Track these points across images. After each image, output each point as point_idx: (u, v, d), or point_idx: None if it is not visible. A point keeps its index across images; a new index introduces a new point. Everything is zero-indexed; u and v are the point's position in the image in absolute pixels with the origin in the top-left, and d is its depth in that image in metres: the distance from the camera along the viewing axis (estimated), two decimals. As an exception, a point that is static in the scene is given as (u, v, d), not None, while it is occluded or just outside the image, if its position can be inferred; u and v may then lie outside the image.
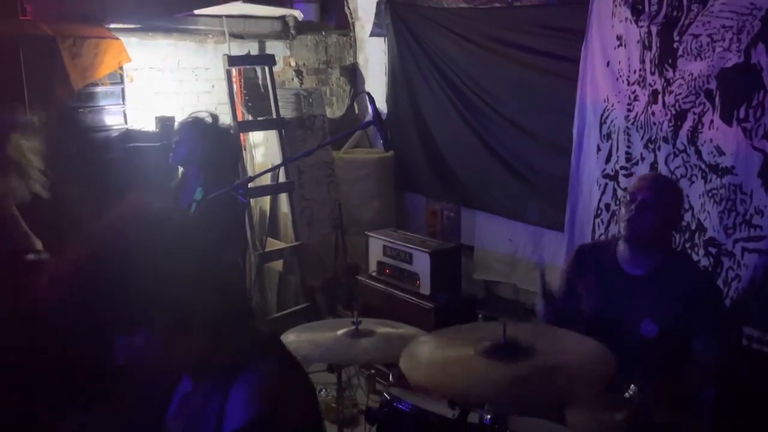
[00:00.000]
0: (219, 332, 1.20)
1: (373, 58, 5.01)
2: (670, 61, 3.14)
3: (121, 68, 3.73)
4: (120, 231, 1.15)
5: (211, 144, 2.91)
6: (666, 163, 3.21)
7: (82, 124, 3.58)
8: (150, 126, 3.85)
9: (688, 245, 3.14)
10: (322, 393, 3.50)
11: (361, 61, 5.11)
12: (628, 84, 3.34)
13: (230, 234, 2.80)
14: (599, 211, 3.56)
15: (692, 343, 2.07)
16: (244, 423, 1.14)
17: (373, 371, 3.46)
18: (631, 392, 1.74)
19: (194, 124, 3.00)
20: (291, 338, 2.31)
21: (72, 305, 1.10)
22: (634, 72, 3.31)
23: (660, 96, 3.20)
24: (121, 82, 3.76)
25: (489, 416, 1.66)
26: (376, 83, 4.91)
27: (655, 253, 2.20)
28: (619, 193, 3.45)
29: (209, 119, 3.01)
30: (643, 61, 3.26)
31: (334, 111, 4.98)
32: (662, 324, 2.08)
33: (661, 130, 3.21)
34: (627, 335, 2.10)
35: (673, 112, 3.14)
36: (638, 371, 1.81)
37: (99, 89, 3.64)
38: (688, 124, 3.09)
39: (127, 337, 1.13)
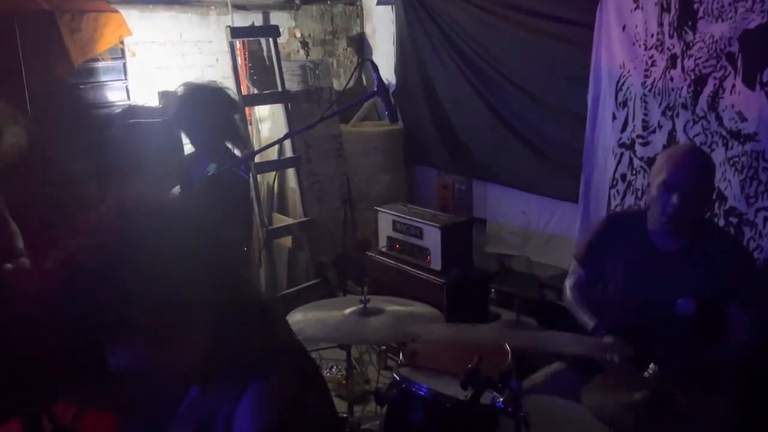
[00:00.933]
0: (223, 335, 1.11)
1: (381, 27, 4.88)
2: (689, 23, 3.01)
3: (122, 42, 3.65)
4: (101, 231, 1.04)
5: (225, 114, 2.80)
6: (685, 130, 3.09)
7: (84, 101, 3.51)
8: (153, 101, 3.78)
9: (708, 215, 3.04)
10: (333, 370, 3.47)
11: (368, 30, 4.99)
12: (645, 48, 3.21)
13: (233, 214, 2.73)
14: (615, 182, 3.45)
15: (728, 317, 1.99)
16: None
17: (384, 347, 3.42)
18: (651, 371, 1.66)
19: (211, 93, 2.89)
20: (298, 317, 2.26)
21: (54, 313, 1.00)
22: (652, 36, 3.17)
23: (679, 60, 3.07)
24: (123, 56, 3.67)
25: (502, 399, 1.60)
26: (384, 53, 4.79)
27: (688, 228, 2.10)
28: (636, 162, 3.35)
29: (218, 88, 2.91)
30: (661, 24, 3.12)
31: (342, 83, 4.87)
32: (699, 300, 1.99)
33: (680, 96, 3.09)
34: (660, 313, 2.02)
35: (693, 77, 3.02)
36: (669, 348, 1.74)
37: (100, 65, 3.57)
38: (708, 90, 2.97)
39: (115, 346, 1.06)
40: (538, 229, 4.01)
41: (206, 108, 2.77)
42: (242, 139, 2.92)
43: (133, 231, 1.05)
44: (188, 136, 2.91)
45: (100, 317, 1.00)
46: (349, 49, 4.97)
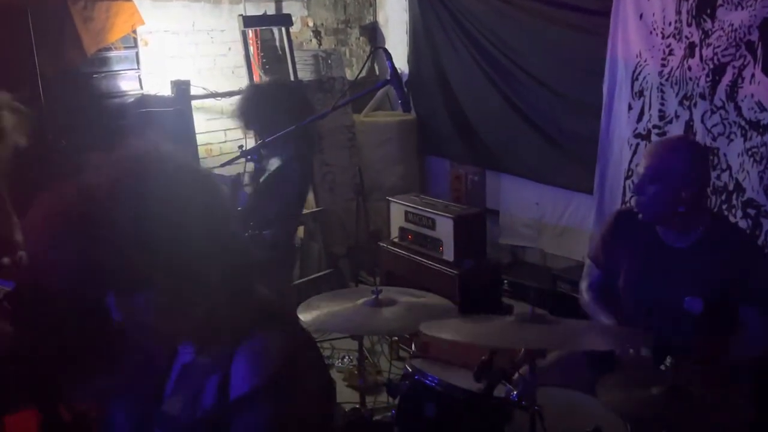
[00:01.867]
0: (227, 296, 1.12)
1: (394, 16, 4.84)
2: (708, 11, 2.95)
3: (134, 31, 3.64)
4: (124, 180, 1.05)
5: (284, 109, 2.77)
6: (702, 120, 3.05)
7: (97, 90, 3.51)
8: (166, 91, 3.77)
9: (724, 207, 3.00)
10: (345, 360, 3.47)
11: (381, 19, 4.95)
12: (663, 37, 3.16)
13: (279, 213, 2.75)
14: (630, 173, 3.41)
15: (739, 315, 1.95)
16: (250, 388, 1.08)
17: (396, 338, 3.41)
18: (668, 365, 1.64)
19: (275, 90, 2.90)
20: (311, 307, 2.24)
21: (67, 255, 1.02)
22: (669, 24, 3.12)
23: (697, 49, 3.02)
24: (135, 46, 3.66)
25: (516, 391, 1.59)
26: (397, 42, 4.75)
27: (695, 223, 2.04)
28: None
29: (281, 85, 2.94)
30: (679, 12, 3.07)
31: (354, 72, 4.84)
32: (708, 299, 1.95)
33: (698, 85, 3.04)
34: (669, 310, 1.98)
35: (711, 66, 2.97)
36: (678, 346, 1.71)
37: (112, 54, 3.56)
38: (727, 79, 2.92)
39: (125, 295, 1.07)
40: (552, 220, 3.98)
41: (266, 105, 2.78)
42: (308, 137, 2.87)
43: (147, 178, 1.06)
44: (257, 134, 2.89)
45: (116, 259, 1.01)
46: (361, 38, 4.93)
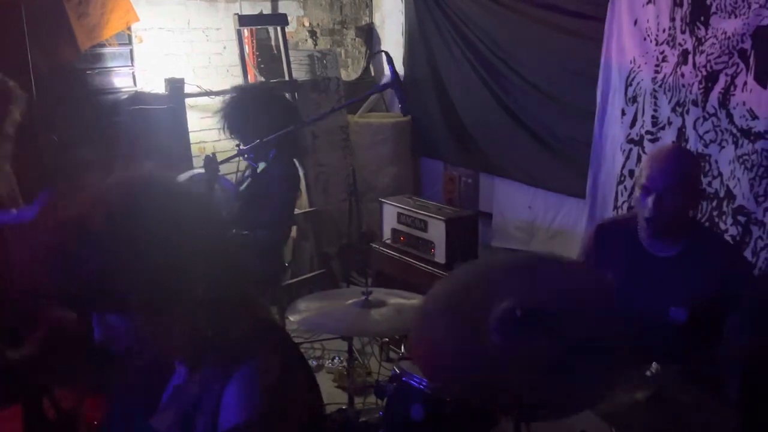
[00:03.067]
0: (214, 314, 1.11)
1: (390, 17, 4.85)
2: (702, 18, 2.97)
3: (129, 28, 3.64)
4: (102, 195, 1.07)
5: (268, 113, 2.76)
6: (695, 127, 3.06)
7: (90, 87, 3.50)
8: (160, 88, 3.76)
9: (715, 213, 3.01)
10: (335, 361, 3.46)
11: (377, 20, 4.95)
12: (657, 44, 3.18)
13: (273, 214, 2.74)
14: (622, 178, 3.42)
15: (724, 323, 1.96)
16: (242, 421, 1.07)
17: (386, 339, 3.41)
18: (653, 370, 1.64)
19: (257, 93, 2.88)
20: (300, 308, 2.24)
21: (50, 274, 1.03)
22: (664, 31, 3.14)
23: (690, 56, 3.03)
24: (130, 43, 3.66)
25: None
26: (393, 44, 4.75)
27: (681, 232, 2.05)
28: (644, 159, 3.31)
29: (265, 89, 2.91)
30: (673, 19, 3.08)
31: (350, 73, 4.84)
32: (691, 308, 1.95)
33: (691, 92, 3.05)
34: (653, 319, 1.98)
35: (704, 73, 2.98)
36: (664, 354, 1.71)
37: (107, 50, 3.55)
38: (719, 86, 2.94)
39: (101, 316, 1.07)
40: (545, 224, 3.99)
41: (250, 108, 2.76)
42: (292, 141, 2.83)
43: (139, 201, 1.07)
44: (240, 139, 2.86)
45: (95, 279, 1.02)
46: (357, 39, 4.93)
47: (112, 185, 1.09)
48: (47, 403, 2.75)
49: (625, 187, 3.43)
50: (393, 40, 4.78)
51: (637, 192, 2.02)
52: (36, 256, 1.07)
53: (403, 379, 1.83)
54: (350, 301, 2.25)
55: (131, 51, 3.67)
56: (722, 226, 2.95)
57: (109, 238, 1.02)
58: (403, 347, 2.27)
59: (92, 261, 1.01)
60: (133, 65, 3.68)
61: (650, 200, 1.95)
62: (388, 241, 3.70)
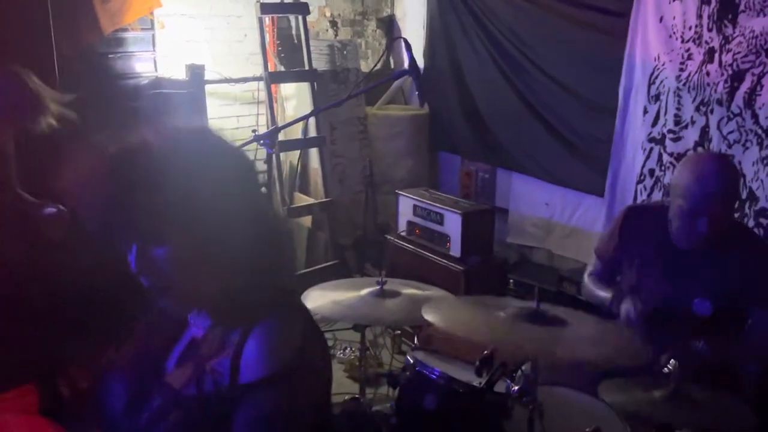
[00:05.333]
0: (244, 273, 1.14)
1: (412, 9, 4.82)
2: (730, 16, 2.92)
3: (151, 14, 3.64)
4: (166, 140, 1.10)
5: None
6: (718, 127, 3.02)
7: (112, 71, 3.52)
8: (180, 74, 3.77)
9: (737, 215, 2.97)
10: (347, 351, 3.46)
11: (398, 12, 4.93)
12: (683, 41, 3.13)
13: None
14: (642, 177, 3.39)
15: (749, 319, 1.93)
16: (259, 378, 1.08)
17: (399, 332, 3.41)
18: (671, 368, 1.62)
19: None
20: (314, 295, 2.24)
21: (100, 198, 1.07)
22: (690, 28, 3.09)
23: (716, 55, 2.99)
24: (152, 28, 3.66)
25: (516, 387, 1.57)
26: (414, 36, 4.72)
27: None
28: (665, 158, 3.27)
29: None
30: (700, 17, 3.04)
31: (369, 64, 4.82)
32: (717, 302, 1.93)
33: (716, 91, 3.01)
34: (676, 311, 1.96)
35: (730, 72, 2.93)
36: (684, 348, 1.69)
37: (129, 35, 3.56)
38: (745, 86, 2.89)
39: (143, 247, 1.09)
40: (561, 221, 3.95)
41: None
42: None
43: (190, 146, 1.12)
44: None
45: (141, 210, 1.05)
46: (378, 30, 4.92)
47: (168, 127, 1.14)
48: (62, 382, 2.78)
49: (644, 186, 3.39)
50: (414, 32, 4.75)
51: (678, 210, 1.97)
52: (86, 180, 1.09)
53: (417, 368, 1.82)
54: (365, 291, 2.24)
55: (153, 36, 3.67)
56: (751, 229, 2.91)
57: (159, 173, 1.06)
58: (416, 338, 2.26)
59: (139, 192, 1.05)
60: (154, 51, 3.69)
61: (703, 223, 1.91)
62: (403, 234, 3.69)
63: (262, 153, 3.94)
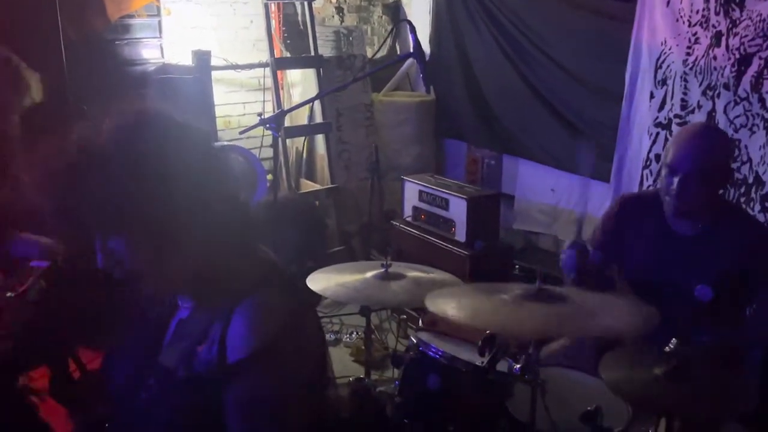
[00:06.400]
0: (214, 252, 1.13)
1: (418, -5, 4.81)
2: (737, 0, 2.90)
3: (158, 0, 3.66)
4: (112, 122, 1.09)
5: None
6: (725, 111, 3.00)
7: (118, 57, 3.54)
8: (187, 60, 3.78)
9: (743, 200, 2.96)
10: (353, 336, 3.49)
11: (404, -2, 4.92)
12: (690, 25, 3.11)
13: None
14: (648, 162, 3.38)
15: (750, 301, 1.93)
16: (244, 357, 1.09)
17: (404, 316, 3.43)
18: (672, 346, 1.63)
19: None
20: (319, 278, 2.26)
21: (57, 191, 1.06)
22: (697, 12, 3.07)
23: (724, 38, 2.97)
24: (158, 14, 3.68)
25: (518, 366, 1.59)
26: (420, 23, 4.70)
27: (707, 212, 2.01)
28: (672, 135, 3.26)
29: None
30: (707, 0, 3.02)
31: (375, 50, 4.82)
32: (718, 287, 1.92)
33: (722, 75, 2.99)
34: (676, 297, 1.96)
35: (737, 56, 2.92)
36: (686, 331, 1.70)
37: (135, 21, 3.58)
38: (752, 70, 2.88)
39: (103, 239, 1.09)
40: (568, 207, 3.95)
41: None
42: None
43: (145, 130, 1.09)
44: None
45: (97, 200, 1.04)
46: (384, 16, 4.90)
47: (123, 114, 1.11)
48: (73, 364, 2.82)
49: (650, 171, 3.39)
50: (420, 18, 4.73)
51: (664, 170, 1.98)
52: (42, 174, 1.08)
53: (420, 348, 1.84)
54: (370, 273, 2.26)
55: (159, 23, 3.69)
56: (750, 212, 2.90)
57: (112, 161, 1.04)
58: (420, 321, 2.28)
59: (94, 182, 1.04)
60: (161, 37, 3.71)
61: (675, 181, 1.91)
62: (409, 219, 3.70)
63: (269, 139, 3.95)
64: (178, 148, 1.11)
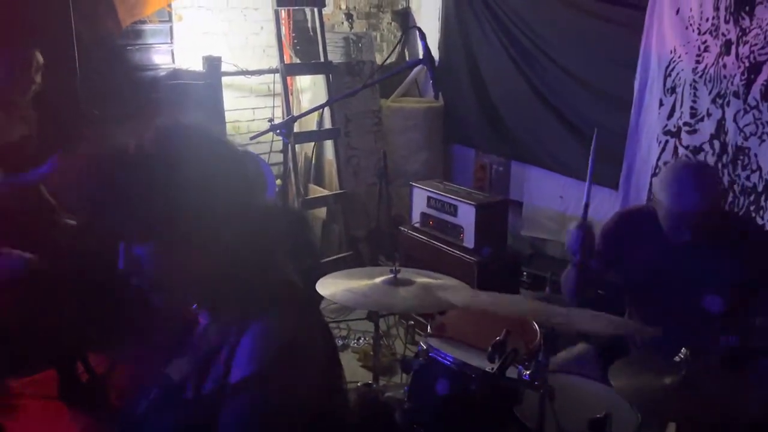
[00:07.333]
0: (235, 267, 1.13)
1: (427, 2, 4.82)
2: (747, 8, 2.90)
3: (169, 6, 3.68)
4: (156, 136, 1.10)
5: None
6: (735, 119, 3.00)
7: (130, 62, 3.56)
8: (197, 66, 3.81)
9: (752, 208, 2.96)
10: (361, 341, 3.49)
11: (414, 5, 4.94)
12: (699, 33, 3.12)
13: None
14: (657, 170, 3.38)
15: (760, 306, 1.93)
16: (247, 375, 1.08)
17: (412, 322, 3.43)
18: (682, 356, 1.63)
19: None
20: (328, 283, 2.27)
21: (87, 197, 1.07)
22: (707, 20, 3.08)
23: (733, 47, 2.97)
24: (170, 20, 3.71)
25: (528, 372, 1.59)
26: (429, 29, 4.71)
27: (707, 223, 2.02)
28: (680, 150, 3.26)
29: None
30: (717, 8, 3.02)
31: (384, 57, 4.84)
32: (726, 295, 1.93)
33: (732, 83, 2.99)
34: (680, 307, 1.96)
35: (747, 64, 2.92)
36: (694, 341, 1.70)
37: (147, 27, 3.61)
38: (762, 78, 2.88)
39: (129, 245, 1.10)
40: (576, 214, 3.94)
41: None
42: None
43: (176, 140, 1.10)
44: None
45: (124, 207, 1.05)
46: (393, 23, 4.93)
47: (154, 124, 1.12)
48: (81, 367, 2.84)
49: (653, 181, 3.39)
50: (429, 24, 4.75)
51: (664, 213, 1.99)
52: (72, 180, 1.10)
53: (430, 354, 1.84)
54: (378, 279, 2.26)
55: (171, 28, 3.72)
56: (759, 221, 2.90)
57: (140, 170, 1.05)
58: (429, 327, 2.28)
59: (123, 189, 1.05)
60: (172, 43, 3.73)
61: (687, 233, 1.97)
62: (417, 225, 3.71)
63: (278, 145, 3.97)
64: (212, 158, 1.12)
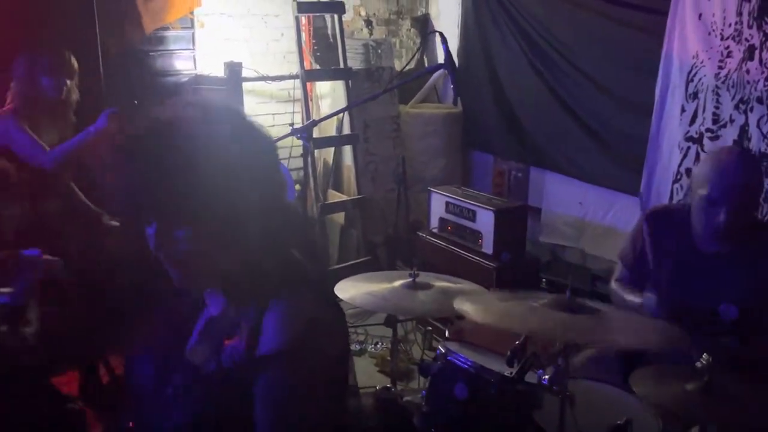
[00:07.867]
0: (263, 252, 1.16)
1: (446, 9, 4.84)
2: (771, 13, 2.87)
3: (192, 13, 3.74)
4: (193, 118, 1.11)
5: None
6: (758, 125, 2.97)
7: (153, 68, 3.62)
8: (219, 72, 3.86)
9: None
10: (378, 346, 3.49)
11: (433, 12, 4.95)
12: (722, 39, 3.09)
13: None
14: (679, 176, 3.34)
15: None
16: (273, 350, 1.11)
17: (430, 328, 3.42)
18: (704, 362, 1.61)
19: None
20: (347, 286, 2.28)
21: (123, 178, 1.09)
22: (730, 25, 3.05)
23: (757, 52, 2.94)
24: (192, 27, 3.77)
25: (547, 377, 1.58)
26: (449, 36, 4.59)
27: (737, 235, 1.99)
28: (702, 156, 3.23)
29: None
30: (740, 14, 2.99)
31: (404, 64, 4.86)
32: (744, 306, 1.90)
33: (756, 89, 2.96)
34: (702, 315, 1.94)
35: (771, 69, 2.88)
36: (713, 348, 1.68)
37: (170, 33, 3.67)
38: (786, 84, 2.84)
39: (167, 227, 1.11)
40: (595, 220, 3.93)
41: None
42: None
43: (216, 122, 1.12)
44: None
45: (161, 187, 1.06)
46: (412, 29, 4.95)
47: (192, 104, 1.14)
48: (102, 369, 2.88)
49: (681, 186, 3.35)
50: (448, 31, 4.74)
51: (698, 202, 1.97)
52: (109, 164, 1.12)
53: (448, 358, 1.84)
54: (398, 282, 2.27)
55: (193, 35, 3.78)
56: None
57: (182, 156, 1.06)
58: (447, 332, 2.28)
59: (163, 174, 1.06)
60: (194, 49, 3.79)
61: (722, 214, 1.90)
62: (435, 230, 3.71)
63: (298, 150, 4.00)
64: (250, 145, 1.15)
